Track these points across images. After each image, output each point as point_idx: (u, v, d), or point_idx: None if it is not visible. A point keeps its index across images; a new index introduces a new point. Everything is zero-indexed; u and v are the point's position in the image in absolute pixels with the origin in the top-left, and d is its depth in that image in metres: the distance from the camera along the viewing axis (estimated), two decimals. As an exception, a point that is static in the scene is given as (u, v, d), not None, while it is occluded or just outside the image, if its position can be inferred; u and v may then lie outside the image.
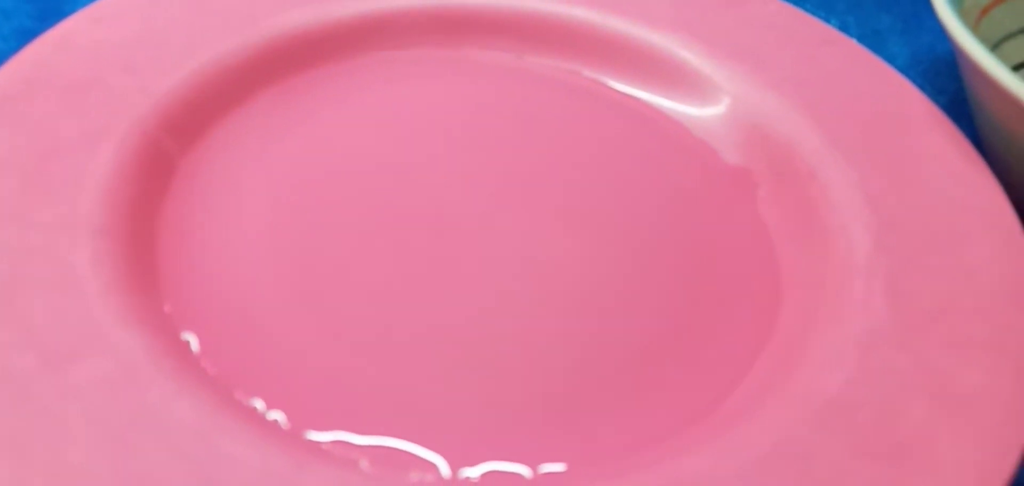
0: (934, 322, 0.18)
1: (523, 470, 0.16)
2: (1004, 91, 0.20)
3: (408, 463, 0.16)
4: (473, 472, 0.16)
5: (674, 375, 0.18)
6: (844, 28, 0.29)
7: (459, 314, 0.19)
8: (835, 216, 0.21)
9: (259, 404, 0.17)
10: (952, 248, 0.20)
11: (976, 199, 0.21)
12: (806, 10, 0.29)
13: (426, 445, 0.17)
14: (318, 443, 0.16)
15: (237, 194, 0.21)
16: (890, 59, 0.28)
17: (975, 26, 0.24)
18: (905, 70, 0.28)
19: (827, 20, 0.29)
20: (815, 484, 0.15)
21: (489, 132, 0.23)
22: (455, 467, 0.16)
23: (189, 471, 0.15)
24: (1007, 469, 0.16)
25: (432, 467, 0.16)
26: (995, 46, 0.25)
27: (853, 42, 0.25)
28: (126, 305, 0.17)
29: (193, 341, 0.18)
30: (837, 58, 0.25)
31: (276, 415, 0.17)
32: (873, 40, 0.29)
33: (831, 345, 0.18)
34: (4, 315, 0.16)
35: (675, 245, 0.21)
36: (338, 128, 0.23)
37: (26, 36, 0.25)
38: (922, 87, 0.27)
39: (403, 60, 0.25)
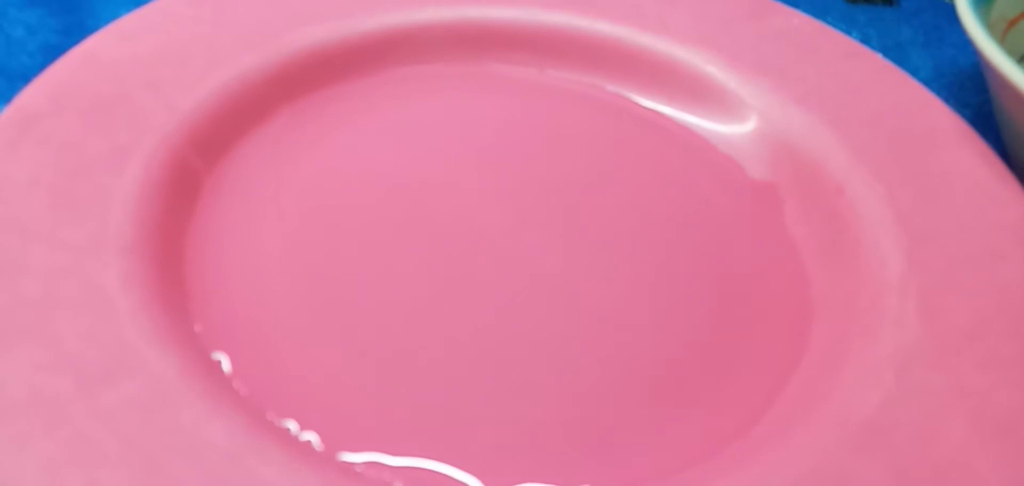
0: (969, 341, 0.18)
1: (557, 492, 0.16)
2: (1035, 106, 0.20)
3: (442, 485, 0.16)
4: (507, 494, 0.16)
5: (704, 395, 0.18)
6: (866, 41, 0.29)
7: (489, 333, 0.19)
8: (865, 232, 0.20)
9: (292, 425, 0.17)
10: (984, 264, 0.19)
11: (1007, 214, 0.21)
12: (827, 23, 0.29)
13: (460, 466, 0.16)
14: (351, 465, 0.16)
15: (263, 210, 0.21)
16: (912, 72, 0.28)
17: (1002, 39, 0.24)
18: (928, 83, 0.28)
19: (848, 33, 0.29)
20: (853, 506, 0.15)
21: (511, 147, 0.23)
22: (489, 489, 0.16)
23: (224, 494, 0.15)
24: (1047, 491, 0.16)
25: (466, 489, 0.16)
26: (1022, 59, 0.25)
27: (877, 55, 0.25)
28: (157, 325, 0.17)
29: (224, 361, 0.18)
30: (861, 72, 0.24)
31: (309, 436, 0.17)
32: (895, 53, 0.29)
33: (865, 365, 0.18)
34: (38, 336, 0.16)
35: (702, 262, 0.21)
36: (361, 143, 0.22)
37: (51, 52, 0.25)
38: (946, 100, 0.27)
39: (426, 75, 0.25)
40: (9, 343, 0.16)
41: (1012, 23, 0.25)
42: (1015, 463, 0.16)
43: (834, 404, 0.17)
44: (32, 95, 0.21)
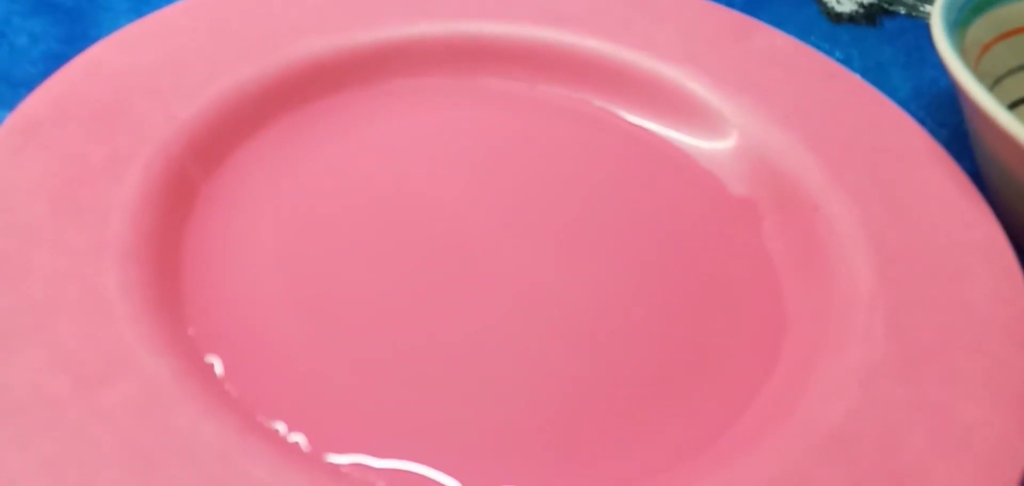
0: (933, 356, 0.19)
1: (535, 494, 0.17)
2: (1001, 130, 0.21)
3: (424, 486, 0.17)
4: (487, 496, 0.17)
5: (680, 404, 0.19)
6: (847, 61, 0.30)
7: (473, 340, 0.19)
8: (838, 249, 0.21)
9: (281, 426, 0.17)
10: (951, 283, 0.20)
11: (975, 235, 0.21)
12: (811, 43, 0.30)
13: (442, 469, 0.17)
14: (337, 466, 0.17)
15: (257, 219, 0.21)
16: (892, 92, 0.29)
17: (976, 63, 0.25)
18: (907, 103, 0.28)
19: (831, 53, 0.30)
20: (816, 513, 0.16)
21: (501, 158, 0.24)
22: (469, 491, 0.17)
23: (215, 492, 0.15)
24: (1002, 501, 0.16)
25: (447, 490, 0.17)
26: (996, 82, 0.26)
27: (856, 77, 0.26)
28: (153, 329, 0.18)
29: (217, 364, 0.18)
30: (841, 92, 0.25)
31: (297, 438, 0.17)
32: (876, 73, 0.29)
33: (833, 377, 0.18)
34: (37, 338, 0.17)
35: (682, 274, 0.21)
36: (355, 154, 0.23)
37: (54, 60, 0.26)
38: (924, 120, 0.28)
39: (419, 88, 0.25)
40: (12, 345, 0.17)
41: (986, 47, 0.26)
42: (971, 474, 0.17)
43: (801, 414, 0.18)
44: (35, 103, 0.22)
